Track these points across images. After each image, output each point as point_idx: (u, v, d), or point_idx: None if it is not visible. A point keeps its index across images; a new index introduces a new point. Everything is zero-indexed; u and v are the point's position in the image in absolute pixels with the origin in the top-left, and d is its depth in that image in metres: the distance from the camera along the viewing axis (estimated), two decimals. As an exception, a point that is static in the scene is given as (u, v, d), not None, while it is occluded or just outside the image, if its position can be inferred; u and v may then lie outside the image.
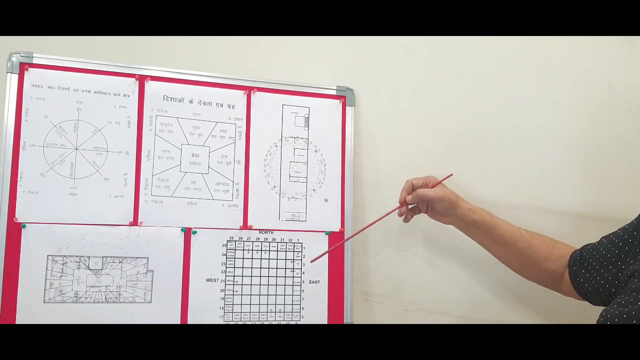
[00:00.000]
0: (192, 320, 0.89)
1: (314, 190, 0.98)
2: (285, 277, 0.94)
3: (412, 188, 0.93)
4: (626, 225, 0.83)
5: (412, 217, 0.96)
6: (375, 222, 0.94)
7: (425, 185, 0.93)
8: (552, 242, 0.92)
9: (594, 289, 0.83)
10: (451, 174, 0.93)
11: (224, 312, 0.91)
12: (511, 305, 1.07)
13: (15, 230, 0.84)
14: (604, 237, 0.86)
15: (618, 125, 1.12)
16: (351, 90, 1.01)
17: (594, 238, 0.89)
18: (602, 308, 0.80)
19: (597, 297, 0.84)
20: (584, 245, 0.89)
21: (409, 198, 0.93)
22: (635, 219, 0.81)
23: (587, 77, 1.12)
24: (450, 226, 0.97)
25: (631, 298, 0.70)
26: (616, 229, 0.84)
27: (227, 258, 0.92)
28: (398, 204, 0.94)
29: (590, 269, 0.84)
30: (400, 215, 0.95)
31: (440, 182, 0.93)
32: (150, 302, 0.88)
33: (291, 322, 0.94)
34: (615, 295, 0.79)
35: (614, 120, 1.12)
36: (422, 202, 0.95)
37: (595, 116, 1.11)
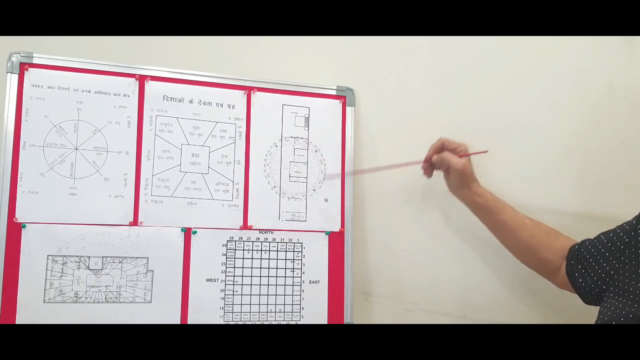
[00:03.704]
0: (192, 320, 0.89)
1: (314, 190, 0.98)
2: (285, 277, 0.94)
3: (441, 147, 0.94)
4: (624, 224, 0.83)
5: (431, 173, 0.98)
6: (392, 167, 0.97)
7: (454, 151, 0.93)
8: (556, 234, 0.92)
9: (587, 285, 0.84)
10: (486, 151, 0.95)
11: (224, 312, 0.91)
12: (511, 306, 1.07)
13: (15, 230, 0.83)
14: (602, 234, 0.86)
15: (618, 125, 1.12)
16: (351, 90, 1.01)
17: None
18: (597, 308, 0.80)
19: (589, 293, 0.84)
20: (583, 241, 0.89)
21: (434, 157, 0.94)
22: (635, 218, 0.81)
23: (587, 77, 1.12)
24: (451, 227, 0.97)
25: (628, 300, 0.70)
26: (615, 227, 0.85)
27: (227, 258, 0.92)
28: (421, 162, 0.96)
29: (586, 265, 0.85)
30: (423, 169, 0.97)
31: (469, 155, 0.93)
32: (150, 302, 0.88)
33: (291, 322, 0.94)
34: (605, 292, 0.79)
35: (614, 120, 1.12)
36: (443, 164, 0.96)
37: (595, 116, 1.11)
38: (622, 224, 0.83)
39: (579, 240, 0.90)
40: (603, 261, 0.82)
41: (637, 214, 0.82)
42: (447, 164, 0.93)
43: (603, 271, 0.82)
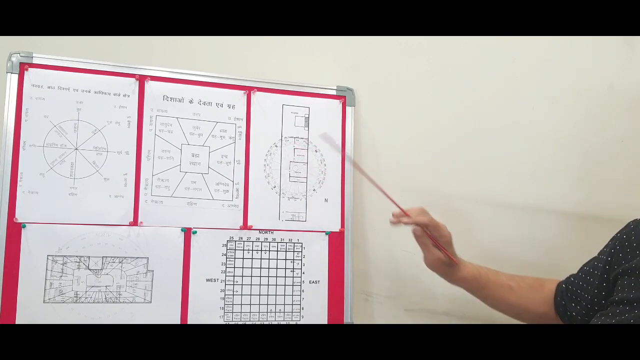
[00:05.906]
0: (192, 320, 0.89)
1: (314, 190, 0.98)
2: (285, 277, 0.94)
3: (426, 219, 0.85)
4: (604, 247, 0.82)
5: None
6: (379, 188, 0.86)
7: (438, 234, 0.86)
8: (540, 284, 0.90)
9: (584, 316, 0.81)
10: (457, 262, 0.88)
11: (224, 312, 0.91)
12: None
13: (15, 230, 0.84)
14: (585, 265, 0.84)
15: (618, 125, 1.12)
16: (351, 90, 1.01)
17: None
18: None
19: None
20: (568, 277, 0.87)
21: (416, 231, 0.86)
22: (610, 240, 0.80)
23: (587, 77, 1.12)
24: (451, 227, 0.96)
25: (626, 307, 0.70)
26: (607, 240, 0.82)
27: (227, 258, 0.92)
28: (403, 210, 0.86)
29: (580, 300, 0.82)
30: (394, 221, 0.86)
31: (445, 253, 0.87)
32: (150, 302, 0.88)
33: (291, 322, 0.94)
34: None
35: (614, 120, 1.12)
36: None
37: (595, 116, 1.11)
38: (602, 248, 0.82)
39: (562, 278, 0.88)
40: (593, 288, 0.80)
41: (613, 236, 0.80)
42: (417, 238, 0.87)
43: (593, 296, 0.80)
